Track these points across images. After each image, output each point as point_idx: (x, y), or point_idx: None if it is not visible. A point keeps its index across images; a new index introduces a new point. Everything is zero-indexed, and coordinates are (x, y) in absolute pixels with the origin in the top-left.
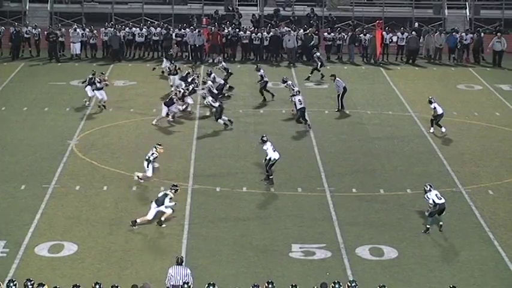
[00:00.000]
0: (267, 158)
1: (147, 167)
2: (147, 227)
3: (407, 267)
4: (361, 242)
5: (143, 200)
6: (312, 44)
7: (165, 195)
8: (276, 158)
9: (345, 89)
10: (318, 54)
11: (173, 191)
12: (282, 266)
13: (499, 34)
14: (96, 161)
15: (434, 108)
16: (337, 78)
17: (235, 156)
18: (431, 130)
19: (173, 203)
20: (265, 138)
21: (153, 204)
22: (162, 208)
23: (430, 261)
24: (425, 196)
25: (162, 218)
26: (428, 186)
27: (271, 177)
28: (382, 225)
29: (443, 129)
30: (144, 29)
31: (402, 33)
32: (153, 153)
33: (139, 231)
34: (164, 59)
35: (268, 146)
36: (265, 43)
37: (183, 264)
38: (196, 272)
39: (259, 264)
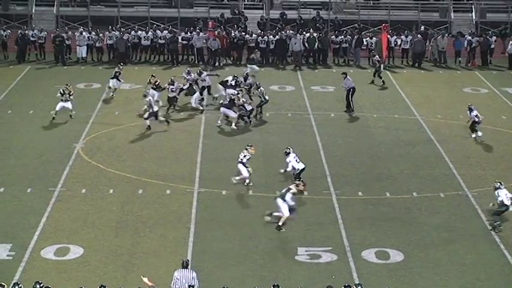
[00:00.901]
0: (295, 168)
1: (242, 168)
2: (153, 230)
3: (414, 270)
4: (367, 245)
5: (149, 203)
6: (315, 46)
7: (288, 189)
8: (300, 168)
9: (353, 89)
10: (377, 57)
11: (296, 186)
12: (288, 269)
13: None
14: (102, 164)
15: (476, 115)
16: (347, 77)
17: None
18: (474, 135)
19: (293, 203)
20: (288, 150)
21: (279, 200)
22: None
23: (436, 264)
24: (496, 193)
25: (280, 223)
26: (498, 184)
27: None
28: (388, 229)
29: (480, 133)
30: (150, 32)
31: (407, 36)
32: (245, 155)
33: (145, 234)
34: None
35: (291, 158)
36: (271, 46)
37: (189, 267)
38: (202, 275)
39: (265, 267)
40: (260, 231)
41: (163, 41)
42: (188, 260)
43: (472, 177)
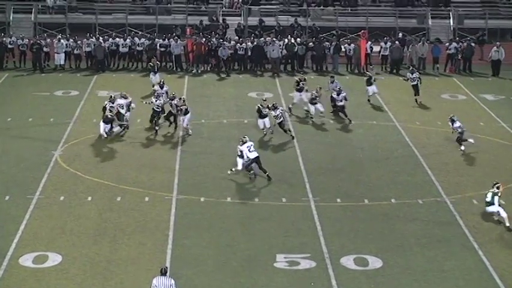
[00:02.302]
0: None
1: (239, 160)
2: (132, 237)
3: (392, 277)
4: (346, 252)
5: (127, 210)
6: (295, 52)
7: (494, 194)
8: (252, 158)
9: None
10: (416, 74)
11: (496, 189)
12: (267, 276)
13: (497, 43)
14: (81, 172)
15: (459, 126)
16: (335, 81)
17: (219, 167)
18: (462, 147)
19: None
20: (245, 140)
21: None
22: (494, 208)
23: (414, 270)
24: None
25: (507, 224)
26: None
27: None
28: (367, 235)
29: (471, 140)
30: (128, 40)
31: (386, 43)
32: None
33: (124, 241)
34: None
35: (244, 148)
36: (249, 53)
37: (167, 274)
38: (181, 282)
39: (244, 274)
40: (238, 238)
41: (141, 48)
42: (167, 267)
43: (450, 183)
